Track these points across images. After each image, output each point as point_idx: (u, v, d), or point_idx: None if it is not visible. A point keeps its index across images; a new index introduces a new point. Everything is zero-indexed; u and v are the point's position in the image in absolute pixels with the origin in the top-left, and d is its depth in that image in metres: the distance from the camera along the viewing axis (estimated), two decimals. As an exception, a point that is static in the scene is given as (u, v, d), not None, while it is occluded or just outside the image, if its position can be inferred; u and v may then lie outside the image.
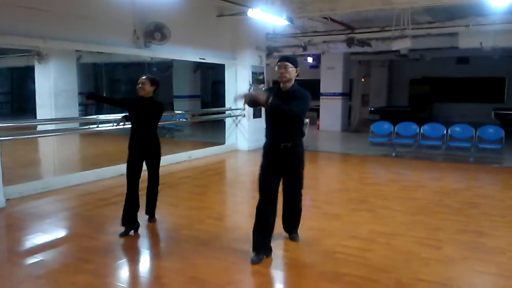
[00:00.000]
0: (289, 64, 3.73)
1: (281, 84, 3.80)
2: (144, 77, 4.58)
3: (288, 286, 3.59)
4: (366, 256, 3.96)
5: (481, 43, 9.88)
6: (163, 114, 4.63)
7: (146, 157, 4.60)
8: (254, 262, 3.72)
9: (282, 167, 3.86)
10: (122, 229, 4.45)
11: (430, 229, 4.74)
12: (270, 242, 3.87)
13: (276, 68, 3.80)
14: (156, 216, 4.94)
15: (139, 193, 4.55)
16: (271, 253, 3.87)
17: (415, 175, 7.92)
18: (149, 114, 4.57)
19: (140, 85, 4.54)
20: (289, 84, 3.77)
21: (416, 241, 4.34)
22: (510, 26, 8.79)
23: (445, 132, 9.30)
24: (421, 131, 9.46)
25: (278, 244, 4.15)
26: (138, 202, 4.55)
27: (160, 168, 4.78)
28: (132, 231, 4.48)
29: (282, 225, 4.30)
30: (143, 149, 4.55)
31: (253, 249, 3.81)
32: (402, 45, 9.06)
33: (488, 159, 9.15)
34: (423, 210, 5.49)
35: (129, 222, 4.47)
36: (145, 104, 4.56)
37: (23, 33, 5.92)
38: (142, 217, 4.58)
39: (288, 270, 3.82)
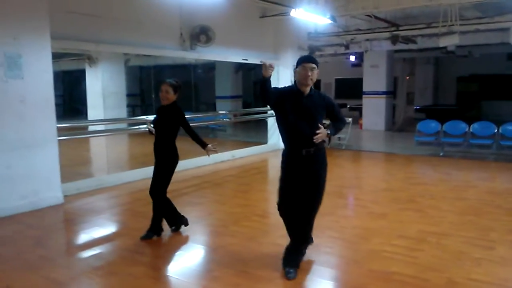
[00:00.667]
0: (316, 67, 3.38)
1: (302, 87, 3.42)
2: (167, 82, 4.18)
3: (337, 283, 3.61)
4: (415, 255, 3.91)
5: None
6: (191, 116, 4.22)
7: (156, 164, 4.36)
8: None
9: (302, 178, 3.45)
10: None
11: (482, 229, 4.62)
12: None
13: (299, 69, 3.41)
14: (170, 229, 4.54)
15: (169, 195, 4.48)
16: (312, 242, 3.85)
17: (465, 175, 7.68)
18: (164, 121, 4.27)
19: (163, 93, 4.16)
20: (309, 88, 3.44)
21: (467, 241, 4.24)
22: None
23: (496, 131, 8.96)
24: (471, 129, 9.17)
25: (323, 242, 4.18)
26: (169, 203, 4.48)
27: (202, 168, 4.65)
28: (182, 226, 4.60)
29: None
30: (155, 156, 4.33)
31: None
32: (449, 42, 8.79)
33: (543, 158, 8.74)
34: (474, 211, 5.34)
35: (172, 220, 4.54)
36: (162, 112, 4.29)
37: (76, 37, 6.25)
38: (187, 214, 4.72)
39: (335, 267, 3.84)
